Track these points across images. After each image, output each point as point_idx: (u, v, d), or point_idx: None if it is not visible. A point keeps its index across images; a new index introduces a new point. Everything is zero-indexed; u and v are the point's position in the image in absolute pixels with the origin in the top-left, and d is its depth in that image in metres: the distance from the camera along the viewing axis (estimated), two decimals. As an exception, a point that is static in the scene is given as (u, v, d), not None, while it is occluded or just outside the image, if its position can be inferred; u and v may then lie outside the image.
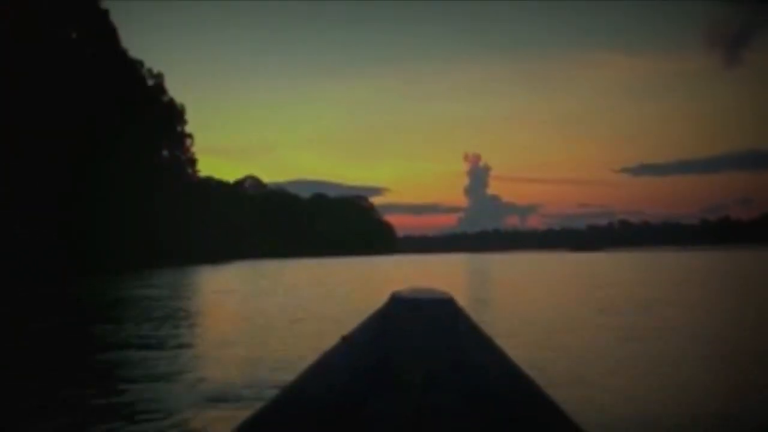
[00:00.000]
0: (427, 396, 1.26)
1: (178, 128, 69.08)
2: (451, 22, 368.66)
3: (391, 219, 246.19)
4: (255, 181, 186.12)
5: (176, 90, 74.79)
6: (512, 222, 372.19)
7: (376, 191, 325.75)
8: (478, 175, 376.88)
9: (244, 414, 1.34)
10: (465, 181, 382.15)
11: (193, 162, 75.06)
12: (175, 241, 63.47)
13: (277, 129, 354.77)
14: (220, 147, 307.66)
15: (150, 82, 60.82)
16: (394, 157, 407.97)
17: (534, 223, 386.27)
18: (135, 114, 50.24)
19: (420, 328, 1.34)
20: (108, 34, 48.26)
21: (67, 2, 42.90)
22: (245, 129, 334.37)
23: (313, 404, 1.28)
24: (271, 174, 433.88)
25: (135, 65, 55.46)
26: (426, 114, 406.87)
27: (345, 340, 1.38)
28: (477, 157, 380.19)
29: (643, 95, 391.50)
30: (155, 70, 61.88)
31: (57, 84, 40.33)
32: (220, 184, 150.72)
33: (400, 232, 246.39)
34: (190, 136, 72.46)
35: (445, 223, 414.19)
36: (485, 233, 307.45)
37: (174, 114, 67.21)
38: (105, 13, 47.76)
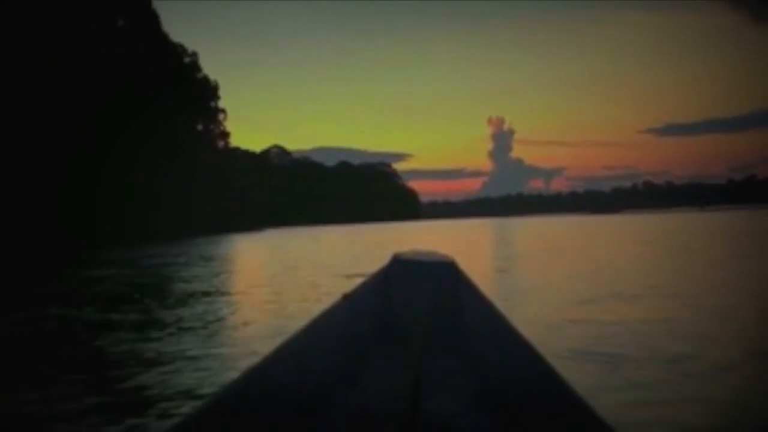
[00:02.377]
0: (426, 357, 1.27)
1: (212, 104, 73.21)
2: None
3: (415, 185, 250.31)
4: (280, 150, 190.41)
5: (203, 60, 78.04)
6: (537, 185, 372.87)
7: (400, 157, 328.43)
8: (502, 138, 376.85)
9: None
10: (489, 144, 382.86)
11: (225, 135, 79.31)
12: (207, 211, 67.44)
13: (300, 96, 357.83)
14: (245, 116, 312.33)
15: (186, 60, 64.77)
16: (418, 122, 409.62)
17: (559, 185, 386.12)
18: (173, 91, 54.11)
19: (420, 289, 1.35)
20: (150, 19, 52.28)
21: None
22: (269, 97, 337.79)
23: (312, 359, 1.29)
24: (295, 142, 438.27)
25: (175, 48, 59.50)
26: (449, 78, 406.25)
27: (346, 298, 1.40)
28: (501, 121, 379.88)
29: (670, 53, 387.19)
30: (190, 50, 65.92)
31: (103, 65, 44.12)
32: (247, 154, 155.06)
33: (424, 198, 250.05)
34: (223, 110, 76.63)
35: (469, 187, 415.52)
36: (509, 197, 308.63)
37: (208, 90, 71.30)
38: (148, 1, 51.87)
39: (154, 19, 53.07)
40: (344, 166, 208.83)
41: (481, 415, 1.23)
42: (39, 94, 40.35)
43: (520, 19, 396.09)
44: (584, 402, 1.24)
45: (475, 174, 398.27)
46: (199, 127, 71.29)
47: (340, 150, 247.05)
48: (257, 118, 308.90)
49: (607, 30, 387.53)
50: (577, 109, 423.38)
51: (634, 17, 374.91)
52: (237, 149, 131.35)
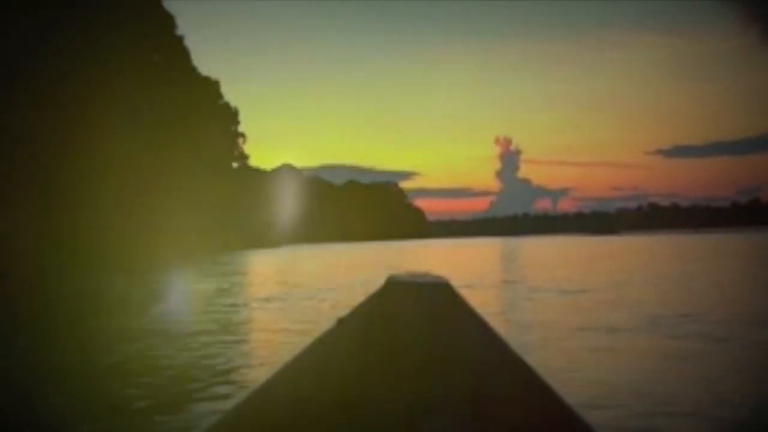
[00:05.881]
0: (422, 380, 1.27)
1: (232, 128, 78.83)
2: (481, 4, 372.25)
3: (422, 203, 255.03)
4: (291, 169, 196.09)
5: (213, 74, 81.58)
6: (543, 205, 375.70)
7: (407, 175, 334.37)
8: (509, 158, 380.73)
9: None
10: (496, 164, 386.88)
11: (244, 158, 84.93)
12: (226, 228, 72.06)
13: (308, 113, 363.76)
14: (253, 132, 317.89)
15: (209, 89, 70.29)
16: (425, 140, 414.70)
17: (565, 206, 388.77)
18: (201, 119, 59.36)
19: (416, 311, 1.36)
20: (182, 55, 57.88)
21: (151, 33, 52.26)
22: (276, 114, 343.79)
23: (309, 385, 1.31)
24: (303, 159, 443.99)
25: (203, 80, 65.18)
26: (457, 97, 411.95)
27: (341, 322, 1.41)
28: (508, 141, 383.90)
29: (679, 75, 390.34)
30: (213, 78, 71.71)
31: (140, 92, 49.05)
32: (259, 172, 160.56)
33: (431, 217, 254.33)
34: (242, 135, 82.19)
35: (476, 207, 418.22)
36: (516, 217, 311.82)
37: (228, 115, 77.00)
38: (180, 39, 57.58)
39: (185, 54, 58.90)
40: (353, 184, 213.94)
41: None
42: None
43: (529, 39, 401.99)
44: (584, 422, 1.26)
45: (482, 194, 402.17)
46: (220, 149, 76.43)
47: (347, 168, 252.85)
48: (264, 134, 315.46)
49: (616, 51, 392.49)
50: (585, 129, 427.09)
51: (643, 39, 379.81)
52: (249, 167, 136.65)
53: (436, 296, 1.39)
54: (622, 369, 7.94)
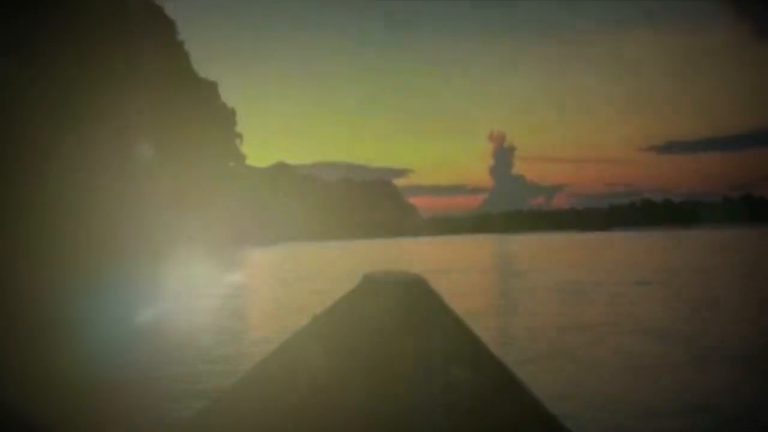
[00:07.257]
0: (397, 374, 1.30)
1: (229, 129, 79.91)
2: (474, 2, 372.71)
3: (416, 201, 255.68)
4: (285, 167, 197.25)
5: (207, 73, 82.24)
6: (537, 202, 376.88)
7: (401, 173, 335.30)
8: (503, 155, 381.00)
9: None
10: (490, 162, 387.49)
11: (242, 158, 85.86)
12: (225, 225, 73.31)
13: (303, 112, 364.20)
14: (247, 130, 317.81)
15: (207, 90, 71.48)
16: (419, 138, 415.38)
17: (560, 202, 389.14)
18: (199, 120, 60.64)
19: (391, 308, 1.37)
20: (183, 57, 59.27)
21: (153, 36, 53.55)
22: (272, 113, 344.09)
23: (286, 379, 1.33)
24: (297, 156, 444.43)
25: (202, 82, 66.37)
26: (451, 95, 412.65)
27: (318, 318, 1.42)
28: (502, 137, 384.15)
29: (671, 72, 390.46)
30: (211, 80, 72.77)
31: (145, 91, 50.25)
32: (255, 170, 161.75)
33: (425, 214, 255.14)
34: (239, 135, 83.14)
35: (470, 204, 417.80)
36: (509, 214, 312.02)
37: (225, 116, 78.08)
38: (181, 43, 58.98)
39: (186, 57, 60.28)
40: (346, 182, 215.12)
41: (453, 429, 1.28)
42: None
43: (523, 35, 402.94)
44: (548, 413, 1.34)
45: (477, 191, 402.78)
46: (218, 148, 77.55)
47: (342, 165, 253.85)
48: (259, 132, 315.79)
49: (609, 48, 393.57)
50: (578, 126, 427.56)
51: (635, 36, 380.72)
52: (245, 166, 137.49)
53: (410, 294, 1.41)
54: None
